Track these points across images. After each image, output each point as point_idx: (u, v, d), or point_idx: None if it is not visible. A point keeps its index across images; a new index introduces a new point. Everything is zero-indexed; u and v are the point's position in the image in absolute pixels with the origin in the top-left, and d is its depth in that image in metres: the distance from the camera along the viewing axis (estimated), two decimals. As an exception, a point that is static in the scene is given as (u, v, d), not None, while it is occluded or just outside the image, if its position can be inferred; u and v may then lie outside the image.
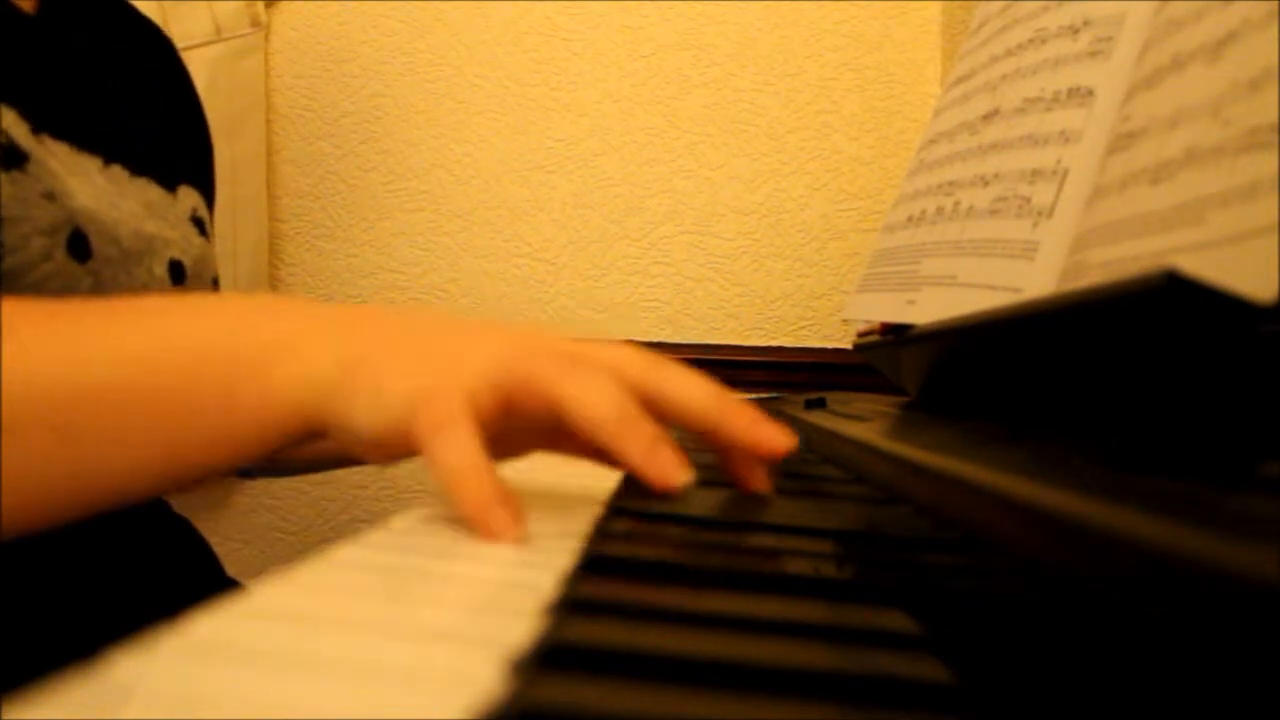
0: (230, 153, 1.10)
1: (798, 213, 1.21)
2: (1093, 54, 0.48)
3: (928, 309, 0.55)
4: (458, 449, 0.30)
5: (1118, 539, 0.20)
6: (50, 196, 0.51)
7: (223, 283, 0.76)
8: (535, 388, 0.32)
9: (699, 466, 0.33)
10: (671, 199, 1.21)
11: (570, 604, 0.22)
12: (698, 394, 0.35)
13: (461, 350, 0.33)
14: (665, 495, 0.32)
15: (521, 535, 0.28)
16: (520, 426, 0.35)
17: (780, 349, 1.20)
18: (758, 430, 0.36)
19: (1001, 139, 0.54)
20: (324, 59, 1.23)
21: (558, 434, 0.36)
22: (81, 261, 0.53)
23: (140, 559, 0.58)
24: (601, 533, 0.30)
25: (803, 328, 1.21)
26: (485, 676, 0.17)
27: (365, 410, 0.33)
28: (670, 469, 0.32)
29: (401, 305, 0.39)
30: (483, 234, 1.22)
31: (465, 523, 0.29)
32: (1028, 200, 0.49)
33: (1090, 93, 0.48)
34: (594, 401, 0.32)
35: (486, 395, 0.32)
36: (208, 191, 0.73)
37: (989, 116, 0.56)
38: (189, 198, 0.66)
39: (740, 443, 0.36)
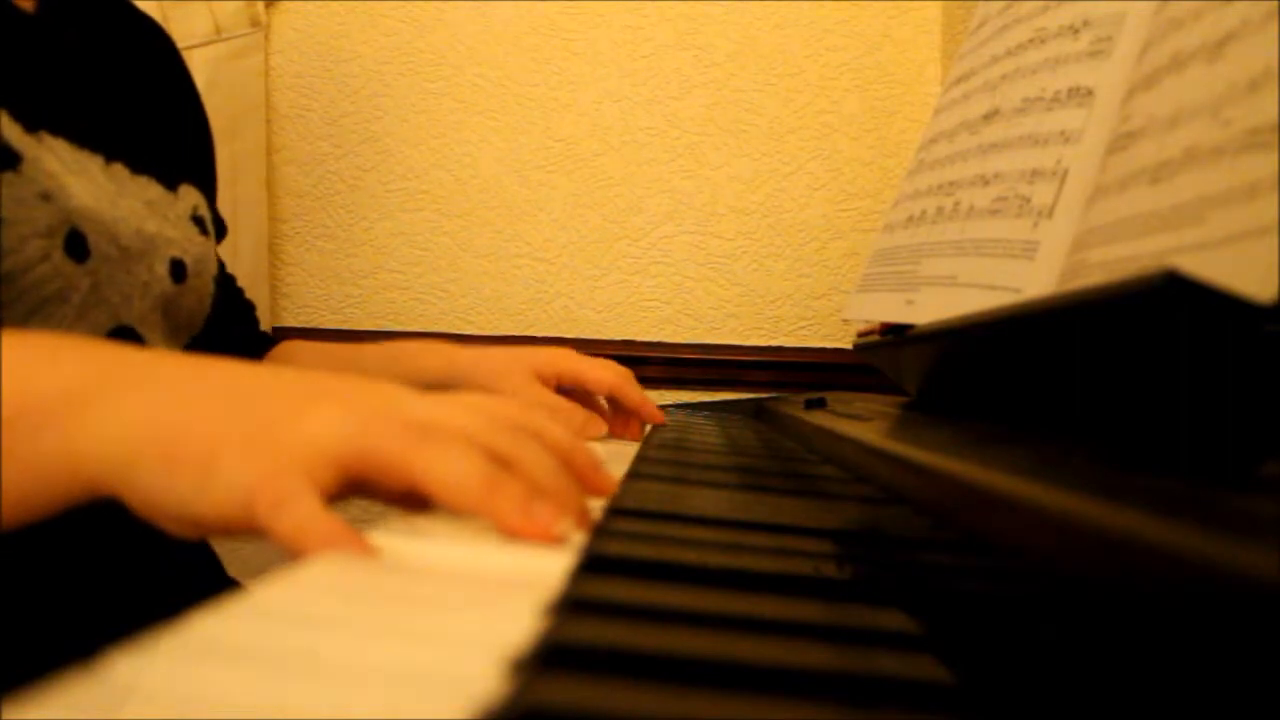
0: (230, 152, 1.10)
1: (798, 213, 1.21)
2: (1093, 54, 0.48)
3: (927, 309, 0.55)
4: (298, 513, 0.28)
5: (1118, 539, 0.20)
6: (46, 197, 0.51)
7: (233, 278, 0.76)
8: (385, 466, 0.30)
9: (701, 467, 0.33)
10: (671, 199, 1.21)
11: (570, 604, 0.22)
12: (545, 471, 0.32)
13: (297, 422, 0.30)
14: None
15: (363, 547, 0.27)
16: (377, 497, 0.32)
17: (780, 349, 1.20)
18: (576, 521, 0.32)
19: (1001, 139, 0.54)
20: (324, 59, 1.23)
21: (421, 499, 0.32)
22: (80, 262, 0.52)
23: (140, 559, 0.58)
24: (601, 532, 0.30)
25: (803, 328, 1.21)
26: (485, 676, 0.17)
27: (190, 492, 0.29)
28: (547, 524, 0.29)
29: (222, 362, 0.35)
30: (483, 234, 1.22)
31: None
32: (1028, 200, 0.49)
33: (1090, 93, 0.48)
34: (451, 473, 0.29)
35: (329, 472, 0.29)
36: (209, 190, 0.73)
37: (989, 116, 0.56)
38: (190, 196, 0.66)
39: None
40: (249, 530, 0.29)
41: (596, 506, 0.34)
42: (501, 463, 0.30)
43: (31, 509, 0.31)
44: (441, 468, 0.29)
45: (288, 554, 0.27)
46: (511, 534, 0.29)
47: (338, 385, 0.33)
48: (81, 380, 0.31)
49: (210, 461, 0.29)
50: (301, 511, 0.28)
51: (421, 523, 0.31)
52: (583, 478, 0.35)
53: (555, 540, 0.29)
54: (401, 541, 0.28)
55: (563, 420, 0.67)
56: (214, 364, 0.34)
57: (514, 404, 0.35)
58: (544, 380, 0.70)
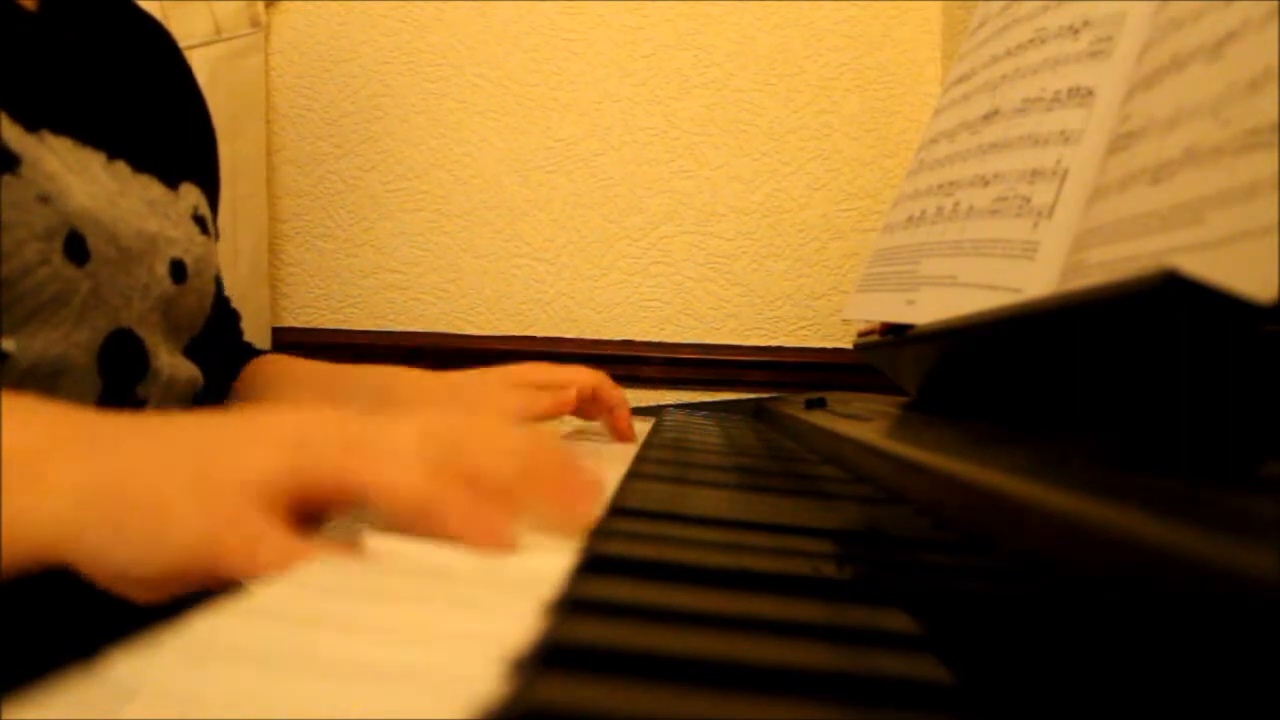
0: (230, 152, 1.10)
1: (798, 213, 1.21)
2: (1093, 54, 0.48)
3: (927, 309, 0.55)
4: (276, 545, 0.28)
5: (1118, 539, 0.20)
6: (45, 199, 0.50)
7: (223, 283, 0.76)
8: (330, 483, 0.29)
9: (701, 467, 0.33)
10: (671, 199, 1.21)
11: (570, 604, 0.22)
12: (503, 465, 0.31)
13: (236, 460, 0.30)
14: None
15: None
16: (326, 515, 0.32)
17: (780, 349, 1.20)
18: (561, 502, 0.32)
19: (1001, 139, 0.54)
20: (324, 59, 1.23)
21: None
22: (79, 264, 0.52)
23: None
24: (601, 532, 0.30)
25: (803, 328, 1.21)
26: (485, 676, 0.17)
27: (143, 552, 0.28)
28: (493, 533, 0.28)
29: (162, 417, 0.33)
30: (483, 234, 1.22)
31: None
32: (1028, 200, 0.49)
33: (1090, 93, 0.48)
34: (394, 481, 0.29)
35: (277, 499, 0.29)
36: (211, 189, 0.72)
37: (989, 116, 0.56)
38: (191, 195, 0.66)
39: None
40: (209, 579, 0.28)
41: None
42: (446, 467, 0.30)
43: None
44: (383, 478, 0.29)
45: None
46: (455, 540, 0.28)
47: (274, 420, 0.32)
48: (24, 443, 0.31)
49: (160, 513, 0.28)
50: (278, 542, 0.27)
51: (419, 540, 0.31)
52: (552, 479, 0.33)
53: (501, 549, 0.28)
54: (400, 544, 0.28)
55: (547, 403, 0.68)
56: (153, 419, 0.33)
57: (458, 418, 0.33)
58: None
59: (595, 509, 0.32)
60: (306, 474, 0.30)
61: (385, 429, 0.31)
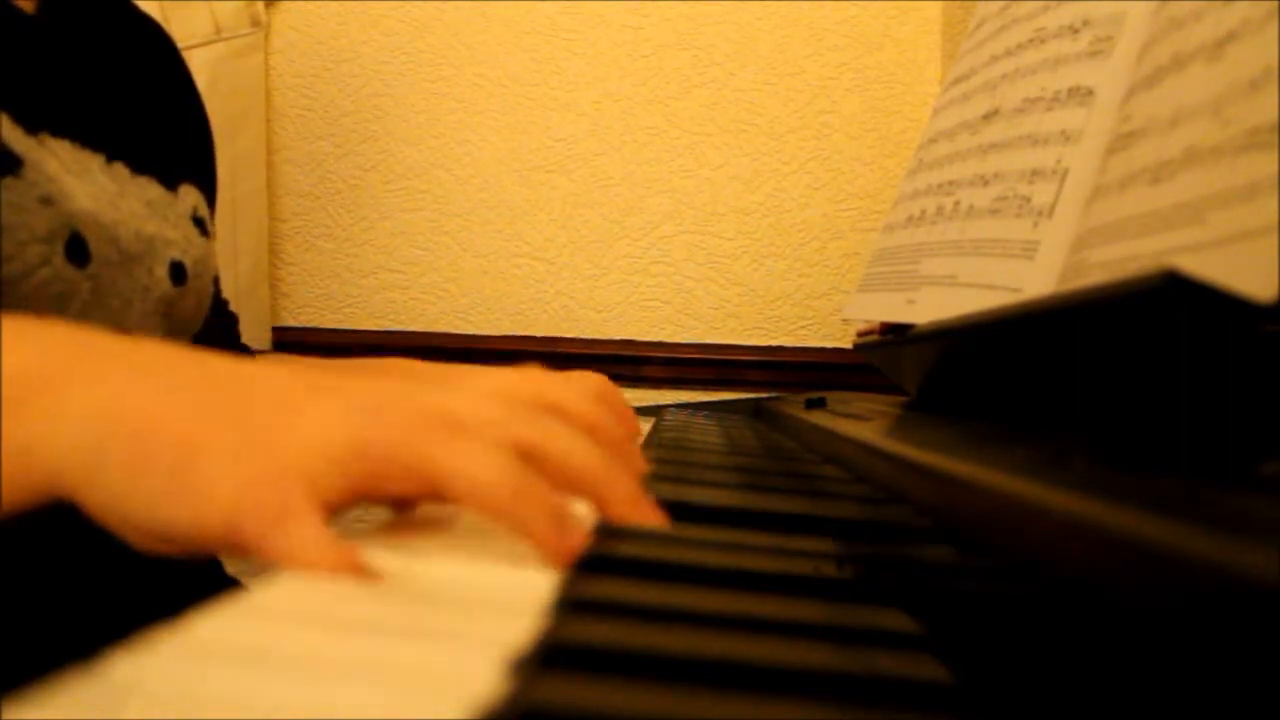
0: (230, 152, 1.10)
1: (798, 212, 1.21)
2: (1093, 54, 0.48)
3: (928, 309, 0.55)
4: (299, 535, 0.24)
5: (1118, 539, 0.20)
6: (47, 201, 0.50)
7: (223, 283, 0.76)
8: (402, 462, 0.26)
9: (701, 467, 0.33)
10: (671, 199, 1.21)
11: (570, 604, 0.22)
12: (581, 458, 0.29)
13: (294, 420, 0.26)
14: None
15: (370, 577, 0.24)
16: (380, 503, 0.29)
17: (780, 349, 1.20)
18: (628, 509, 0.30)
19: (1001, 139, 0.54)
20: (324, 59, 1.23)
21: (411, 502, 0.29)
22: (80, 266, 0.52)
23: (140, 558, 0.58)
24: (602, 532, 0.30)
25: (803, 328, 1.21)
26: (485, 676, 0.17)
27: (161, 496, 0.25)
28: (573, 542, 0.26)
29: (207, 353, 0.30)
30: (483, 234, 1.22)
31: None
32: (1028, 200, 0.49)
33: (1090, 92, 0.48)
34: (480, 475, 0.26)
35: (333, 478, 0.25)
36: (209, 190, 0.72)
37: (989, 116, 0.56)
38: (190, 196, 0.66)
39: (609, 515, 0.30)
40: (228, 548, 0.25)
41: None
42: (530, 456, 0.27)
43: None
44: (468, 468, 0.26)
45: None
46: (534, 547, 0.26)
47: (337, 379, 0.29)
48: (43, 363, 0.28)
49: (187, 461, 0.25)
50: (304, 534, 0.24)
51: (418, 542, 0.30)
52: (620, 454, 0.32)
53: (575, 557, 0.26)
54: (399, 547, 0.28)
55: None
56: (198, 354, 0.30)
57: (534, 381, 0.31)
58: None
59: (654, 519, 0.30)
60: (373, 446, 0.26)
61: (464, 400, 0.28)
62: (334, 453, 0.26)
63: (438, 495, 0.27)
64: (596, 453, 0.30)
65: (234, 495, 0.24)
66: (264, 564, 0.25)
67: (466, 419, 0.28)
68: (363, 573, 0.24)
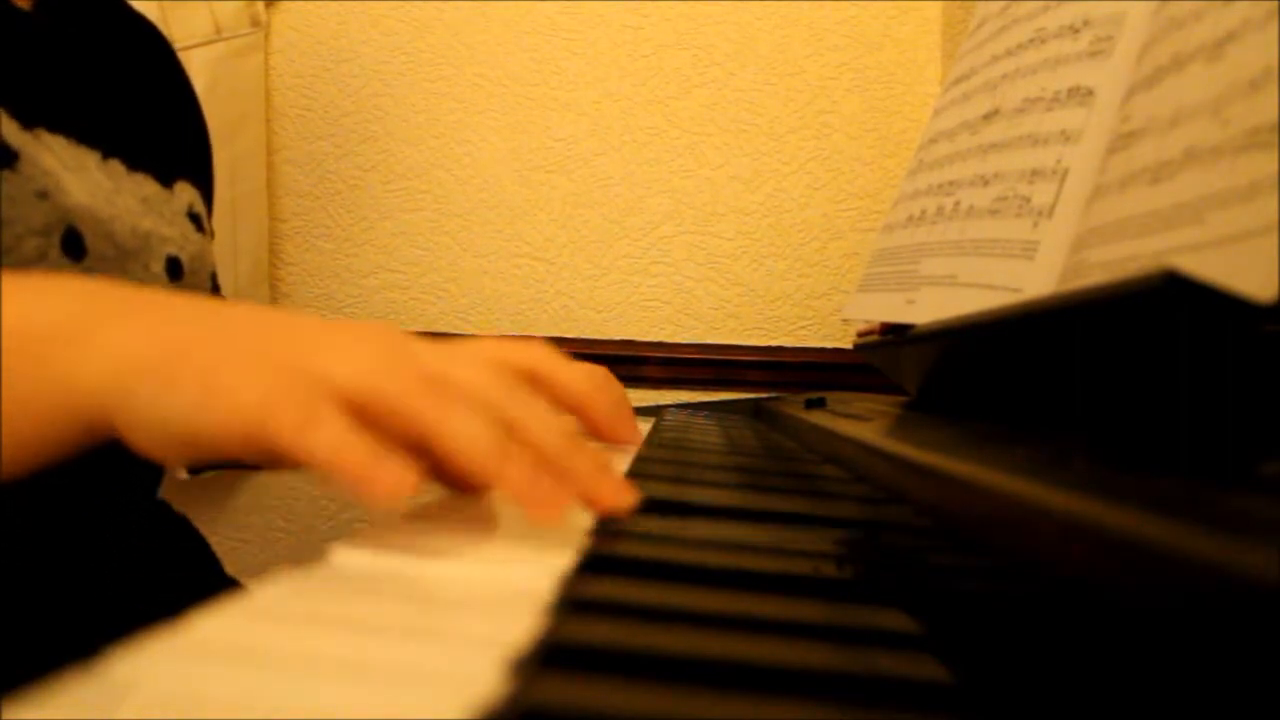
0: (230, 152, 1.10)
1: (798, 212, 1.21)
2: (1093, 54, 0.48)
3: (927, 309, 0.55)
4: (331, 433, 0.26)
5: (1118, 538, 0.20)
6: (43, 195, 0.51)
7: (223, 282, 0.76)
8: (401, 413, 0.28)
9: (701, 467, 0.33)
10: (671, 199, 1.21)
11: (570, 604, 0.22)
12: (580, 384, 0.35)
13: (313, 354, 0.29)
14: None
15: (413, 482, 0.26)
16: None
17: (780, 349, 1.20)
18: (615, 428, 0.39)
19: (1001, 139, 0.54)
20: (324, 59, 1.23)
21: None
22: (76, 260, 0.52)
23: (139, 558, 0.58)
24: (602, 532, 0.30)
25: (803, 328, 1.21)
26: (485, 676, 0.17)
27: (191, 406, 0.27)
28: (550, 499, 0.28)
29: (228, 301, 0.32)
30: (483, 234, 1.22)
31: (360, 497, 0.26)
32: (1028, 200, 0.49)
33: (1090, 92, 0.48)
34: (464, 434, 0.28)
35: (343, 407, 0.27)
36: (205, 187, 0.73)
37: (989, 116, 0.56)
38: (185, 193, 0.66)
39: (599, 434, 0.40)
40: (258, 453, 0.27)
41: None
42: (509, 427, 0.30)
43: (30, 453, 0.30)
44: (456, 426, 0.28)
45: (318, 478, 0.26)
46: (519, 502, 0.28)
47: (350, 325, 0.32)
48: (73, 313, 0.30)
49: (216, 372, 0.27)
50: (335, 431, 0.26)
51: (418, 542, 0.31)
52: (600, 433, 0.38)
53: (554, 517, 0.28)
54: (399, 547, 0.28)
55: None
56: (219, 301, 0.33)
57: (521, 353, 0.35)
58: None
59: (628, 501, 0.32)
60: (381, 395, 0.28)
61: (458, 368, 0.31)
62: (347, 386, 0.28)
63: (429, 446, 0.29)
64: (562, 440, 0.31)
65: (261, 397, 0.26)
66: (295, 466, 0.26)
67: (459, 383, 0.30)
68: (395, 475, 0.26)
